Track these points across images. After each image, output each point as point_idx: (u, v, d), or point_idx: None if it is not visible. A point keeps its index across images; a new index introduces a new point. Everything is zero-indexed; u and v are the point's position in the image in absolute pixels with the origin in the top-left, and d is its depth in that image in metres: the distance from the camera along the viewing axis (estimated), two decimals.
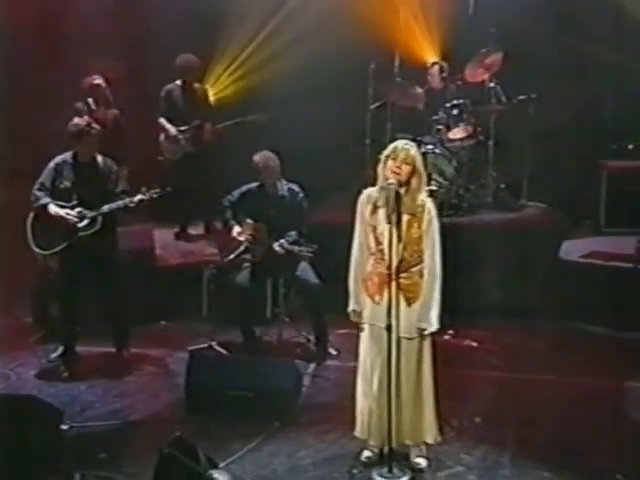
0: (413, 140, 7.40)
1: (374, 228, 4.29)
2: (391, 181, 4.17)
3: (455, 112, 7.50)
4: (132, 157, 7.11)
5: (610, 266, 6.78)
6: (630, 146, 7.13)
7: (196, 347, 6.13)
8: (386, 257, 4.23)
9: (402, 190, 4.20)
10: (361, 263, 4.37)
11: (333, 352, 5.97)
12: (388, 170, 4.20)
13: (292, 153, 6.81)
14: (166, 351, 6.18)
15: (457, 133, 7.51)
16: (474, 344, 6.32)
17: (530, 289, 6.80)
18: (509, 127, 7.62)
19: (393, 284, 4.22)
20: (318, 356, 5.94)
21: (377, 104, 7.72)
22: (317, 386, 5.59)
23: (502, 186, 7.69)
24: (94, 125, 5.76)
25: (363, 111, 7.74)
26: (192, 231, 7.82)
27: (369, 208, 4.31)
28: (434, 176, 7.33)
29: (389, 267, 4.22)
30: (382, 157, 4.27)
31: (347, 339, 5.75)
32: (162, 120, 7.47)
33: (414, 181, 4.24)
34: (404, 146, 4.24)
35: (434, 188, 7.28)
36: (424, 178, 4.33)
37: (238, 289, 5.97)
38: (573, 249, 7.14)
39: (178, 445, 4.03)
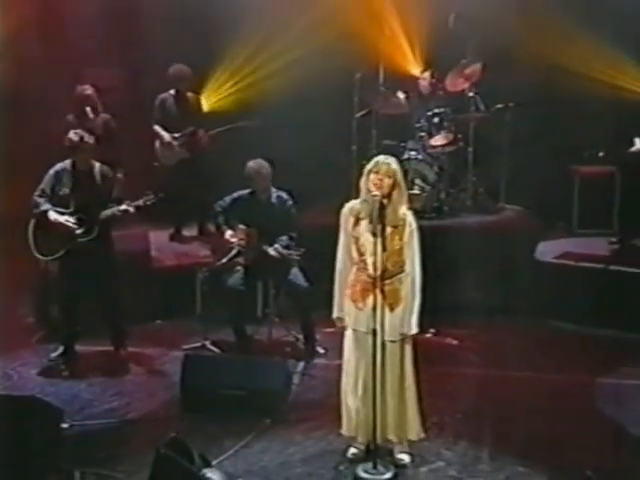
0: (398, 145, 7.63)
1: (357, 239, 4.33)
2: (375, 193, 4.21)
3: (436, 120, 7.54)
4: (129, 163, 7.11)
5: (582, 267, 6.85)
6: (600, 153, 7.17)
7: (190, 346, 6.13)
8: (369, 266, 4.28)
9: (391, 202, 4.25)
10: (345, 272, 4.41)
11: (321, 350, 5.99)
12: (371, 183, 4.24)
13: (282, 158, 6.84)
14: (162, 350, 6.16)
15: (438, 140, 7.55)
16: (454, 342, 6.35)
17: (508, 289, 6.85)
18: (488, 134, 7.64)
19: (377, 291, 4.26)
20: (306, 354, 5.97)
21: (362, 112, 7.71)
22: (306, 384, 5.58)
23: (481, 190, 7.72)
24: (86, 139, 5.76)
25: (349, 119, 7.73)
26: (186, 233, 7.82)
27: (352, 220, 4.35)
28: (417, 181, 7.39)
29: (372, 275, 4.27)
30: (364, 172, 4.30)
31: (334, 337, 5.59)
32: (157, 127, 7.47)
33: (395, 194, 4.28)
34: (385, 160, 4.28)
35: (417, 192, 7.38)
36: (405, 191, 4.37)
37: (230, 291, 5.99)
38: (548, 250, 7.21)
39: (173, 445, 4.02)
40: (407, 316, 4.31)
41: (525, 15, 7.34)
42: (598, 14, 7.21)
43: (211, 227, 7.22)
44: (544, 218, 7.72)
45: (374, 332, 4.21)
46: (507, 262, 6.99)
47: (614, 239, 7.22)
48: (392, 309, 4.31)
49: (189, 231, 7.84)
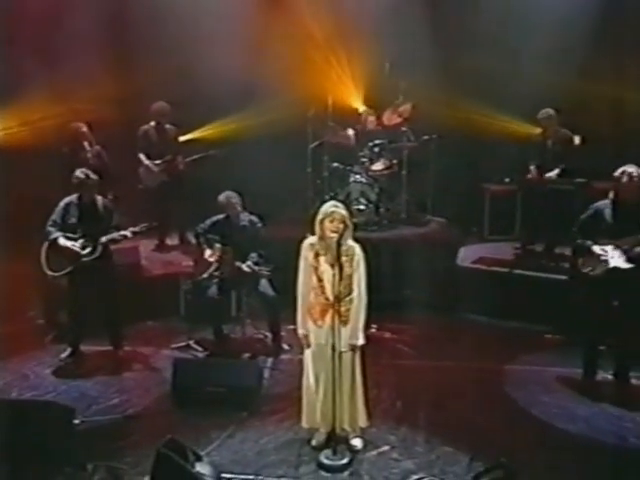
0: (344, 169, 7.67)
1: (316, 269, 4.38)
2: (332, 236, 4.29)
3: (376, 149, 7.61)
4: (118, 186, 7.00)
5: (492, 270, 6.97)
6: (506, 179, 7.37)
7: (177, 345, 6.10)
8: (327, 291, 4.35)
9: (342, 240, 4.30)
10: (305, 295, 4.44)
11: (286, 347, 5.99)
12: (327, 229, 4.31)
13: (249, 179, 6.87)
14: (153, 349, 6.08)
15: (378, 166, 7.63)
16: (387, 335, 6.32)
17: (435, 289, 6.85)
18: (417, 160, 7.72)
19: (333, 311, 4.33)
20: (274, 351, 5.98)
21: (315, 143, 7.72)
22: (274, 378, 5.55)
23: (413, 206, 7.82)
24: (91, 176, 5.69)
25: (305, 148, 7.74)
26: (169, 242, 7.78)
27: (311, 254, 4.40)
28: (361, 199, 7.49)
29: (329, 299, 4.34)
30: (319, 217, 4.36)
31: (296, 334, 5.73)
32: (140, 155, 7.38)
33: (346, 233, 4.35)
34: (337, 209, 4.34)
35: (362, 208, 7.46)
36: (351, 228, 4.42)
37: (209, 300, 5.97)
38: (466, 256, 7.30)
39: (171, 445, 4.05)
40: (355, 330, 4.39)
41: (445, 68, 7.47)
42: (502, 77, 7.37)
43: (190, 237, 7.24)
44: (462, 227, 7.85)
45: (332, 345, 4.27)
46: (434, 266, 7.05)
47: (517, 245, 7.38)
48: (345, 325, 4.38)
49: (171, 240, 7.79)
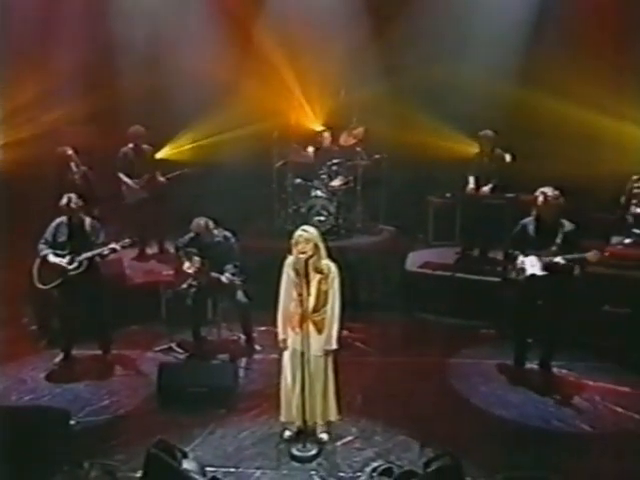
0: (305, 184, 7.74)
1: (296, 284, 4.46)
2: (301, 257, 4.39)
3: (334, 168, 7.73)
4: (103, 203, 6.95)
5: (437, 274, 7.06)
6: (447, 194, 7.56)
7: (160, 348, 6.06)
8: (304, 303, 4.42)
9: (312, 260, 4.41)
10: (286, 306, 4.52)
11: (258, 348, 6.04)
12: (297, 251, 4.40)
13: (220, 195, 6.89)
14: (138, 352, 6.02)
15: (336, 182, 7.74)
16: (346, 333, 6.15)
17: (387, 291, 7.02)
18: (370, 177, 7.84)
19: (309, 321, 4.43)
20: (247, 352, 6.02)
21: (280, 162, 7.79)
22: (249, 377, 5.56)
23: (367, 217, 7.95)
24: (76, 201, 5.66)
25: (270, 166, 7.79)
26: (149, 250, 7.73)
27: (292, 272, 4.48)
28: (322, 212, 7.58)
29: (306, 310, 4.42)
30: (292, 241, 4.43)
31: (267, 335, 5.81)
32: (121, 174, 7.32)
33: (319, 252, 4.45)
34: (304, 234, 4.41)
35: (322, 219, 7.56)
36: (323, 248, 4.50)
37: (188, 307, 5.97)
38: (414, 261, 7.35)
39: (160, 445, 4.04)
40: (329, 337, 4.48)
41: (391, 95, 7.61)
42: (447, 97, 7.46)
43: (169, 246, 7.23)
44: (410, 234, 7.99)
45: (308, 350, 4.40)
46: (386, 270, 7.18)
47: (457, 250, 7.53)
48: (320, 333, 4.49)
49: (151, 249, 7.73)
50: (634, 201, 6.61)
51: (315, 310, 4.44)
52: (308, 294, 4.40)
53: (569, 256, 5.16)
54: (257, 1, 7.86)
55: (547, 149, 7.21)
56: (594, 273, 5.69)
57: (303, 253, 4.37)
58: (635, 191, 6.62)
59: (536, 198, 5.31)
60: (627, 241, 6.49)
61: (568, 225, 5.29)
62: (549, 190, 5.26)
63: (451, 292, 6.84)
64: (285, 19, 7.70)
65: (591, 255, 5.09)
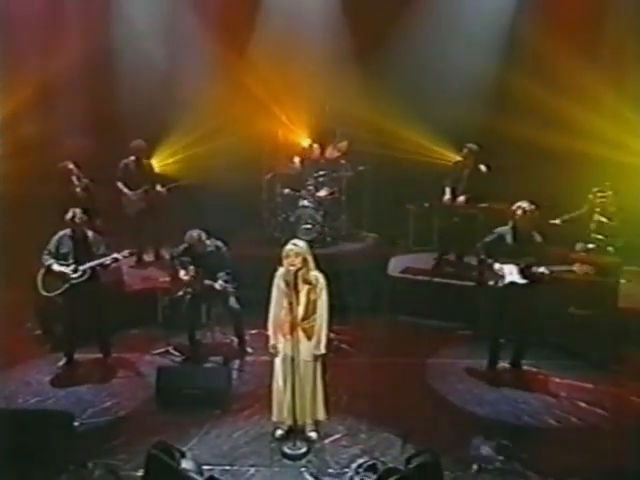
0: (294, 194, 7.79)
1: (286, 294, 4.51)
2: (290, 269, 4.45)
3: (321, 179, 7.77)
4: (105, 213, 6.94)
5: (417, 279, 7.12)
6: (426, 204, 7.65)
7: (157, 351, 6.05)
8: (294, 312, 4.48)
9: (301, 271, 4.47)
10: (277, 314, 4.58)
11: (250, 350, 6.06)
12: (286, 264, 4.46)
13: (214, 205, 6.91)
14: (137, 355, 6.01)
15: (322, 192, 7.78)
16: (331, 335, 6.28)
17: (371, 295, 7.01)
18: (354, 187, 7.91)
19: (299, 328, 4.50)
20: (240, 354, 6.04)
21: (270, 175, 7.85)
22: (241, 379, 5.57)
23: (351, 225, 8.01)
24: (81, 216, 5.67)
25: (260, 178, 7.84)
26: (146, 257, 7.73)
27: (282, 282, 4.54)
28: (309, 220, 7.62)
29: (296, 318, 4.48)
30: (283, 254, 4.49)
31: (258, 338, 5.83)
32: (120, 185, 7.31)
33: (307, 264, 4.51)
34: (293, 248, 4.47)
35: (309, 227, 7.61)
36: (312, 261, 4.56)
37: (184, 313, 5.98)
38: (395, 266, 7.38)
39: (160, 446, 4.09)
40: (318, 343, 4.54)
41: (374, 110, 7.65)
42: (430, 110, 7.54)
43: (164, 254, 7.24)
44: (391, 241, 8.06)
45: (298, 355, 4.47)
46: (370, 275, 7.19)
47: (435, 255, 7.56)
48: (309, 339, 4.55)
49: (148, 256, 7.72)
50: (597, 209, 6.81)
51: (304, 318, 4.51)
52: (297, 303, 4.48)
53: (555, 267, 5.28)
54: (247, 19, 7.86)
55: (517, 163, 7.37)
56: (559, 277, 5.81)
57: (293, 265, 4.44)
58: (598, 201, 6.81)
59: (514, 211, 5.45)
60: (590, 246, 6.66)
61: (538, 237, 5.45)
62: (526, 204, 5.42)
63: (430, 296, 6.92)
64: (274, 39, 7.72)
65: (578, 267, 5.23)
